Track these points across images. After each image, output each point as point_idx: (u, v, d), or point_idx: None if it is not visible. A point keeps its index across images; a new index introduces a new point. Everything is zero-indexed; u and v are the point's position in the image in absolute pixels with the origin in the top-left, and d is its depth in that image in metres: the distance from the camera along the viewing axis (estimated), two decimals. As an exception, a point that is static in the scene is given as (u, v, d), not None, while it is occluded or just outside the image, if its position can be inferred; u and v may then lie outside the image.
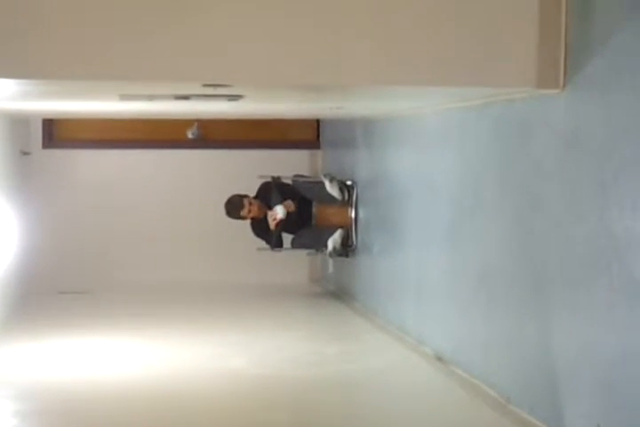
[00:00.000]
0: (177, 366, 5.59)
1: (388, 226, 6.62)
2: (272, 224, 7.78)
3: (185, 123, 8.66)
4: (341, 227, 7.59)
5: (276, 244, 7.90)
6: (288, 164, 8.66)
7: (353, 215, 7.55)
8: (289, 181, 8.10)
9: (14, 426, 4.44)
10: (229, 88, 4.25)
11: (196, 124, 8.73)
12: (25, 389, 5.10)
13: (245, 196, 7.84)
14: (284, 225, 7.80)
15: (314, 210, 7.90)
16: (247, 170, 8.33)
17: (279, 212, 7.71)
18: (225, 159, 8.88)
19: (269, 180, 8.01)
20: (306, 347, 6.12)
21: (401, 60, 3.91)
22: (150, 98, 4.99)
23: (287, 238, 7.98)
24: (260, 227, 7.87)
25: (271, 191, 7.89)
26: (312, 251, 8.11)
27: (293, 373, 5.36)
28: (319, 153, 9.05)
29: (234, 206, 7.78)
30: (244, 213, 7.79)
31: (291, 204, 7.78)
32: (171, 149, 8.84)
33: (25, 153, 8.21)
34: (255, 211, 7.82)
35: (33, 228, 8.16)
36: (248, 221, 7.93)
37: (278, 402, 4.77)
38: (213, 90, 4.29)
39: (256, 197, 7.92)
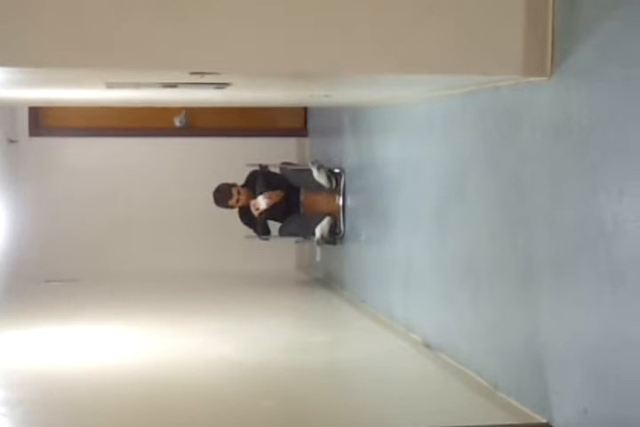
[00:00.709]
0: (164, 354, 5.59)
1: (375, 214, 6.63)
2: (255, 214, 7.79)
3: (172, 111, 8.64)
4: (329, 214, 7.60)
5: (263, 232, 7.90)
6: (276, 151, 8.66)
7: (341, 203, 7.55)
8: (277, 169, 8.10)
9: (3, 414, 4.44)
10: (217, 76, 4.24)
11: (183, 112, 8.72)
12: (13, 377, 5.10)
13: (233, 184, 7.83)
14: (271, 213, 7.81)
15: (301, 198, 7.91)
16: (235, 158, 8.32)
17: (261, 203, 7.71)
18: (213, 147, 8.87)
19: (258, 168, 8.01)
20: (293, 335, 6.13)
21: (387, 48, 3.91)
22: (137, 86, 4.98)
23: (275, 226, 7.99)
24: (249, 215, 7.87)
25: (257, 181, 7.89)
26: (300, 239, 8.12)
27: (281, 361, 5.36)
28: (307, 141, 9.05)
29: (222, 195, 7.77)
30: (232, 202, 7.79)
31: (272, 195, 7.75)
32: (158, 137, 8.82)
33: (12, 141, 8.18)
34: (243, 200, 7.82)
35: (20, 216, 8.15)
36: (236, 210, 7.93)
37: (266, 390, 4.77)
38: (201, 78, 4.28)
39: (244, 186, 7.91)
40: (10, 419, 4.41)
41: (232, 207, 7.85)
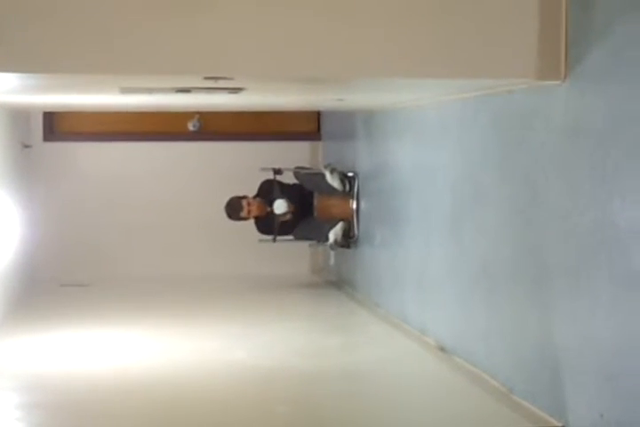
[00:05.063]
0: (178, 358, 5.60)
1: (389, 217, 6.63)
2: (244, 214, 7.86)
3: (186, 115, 8.67)
4: (343, 219, 7.59)
5: (279, 232, 7.95)
6: (289, 155, 8.67)
7: (354, 207, 7.55)
8: (290, 173, 8.10)
9: (18, 418, 4.46)
10: (230, 81, 4.25)
11: (197, 116, 8.74)
12: (29, 381, 5.11)
13: (244, 197, 7.86)
14: (285, 228, 7.88)
15: (315, 201, 7.92)
16: (248, 162, 8.34)
17: (281, 208, 7.76)
18: (226, 151, 8.89)
19: (270, 177, 8.02)
20: (307, 338, 6.13)
21: (401, 52, 3.91)
22: (151, 91, 4.99)
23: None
24: (265, 224, 7.91)
25: (272, 188, 7.92)
26: (314, 242, 8.13)
27: (295, 364, 5.37)
28: (320, 145, 9.06)
29: (233, 209, 7.83)
30: (243, 214, 7.85)
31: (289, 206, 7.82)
32: (172, 142, 8.85)
33: (26, 146, 8.21)
34: (255, 210, 7.86)
35: (34, 220, 8.17)
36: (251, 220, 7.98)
37: (280, 394, 4.77)
38: (214, 83, 4.29)
39: (257, 196, 7.94)
40: (25, 423, 4.42)
41: (245, 219, 7.90)
